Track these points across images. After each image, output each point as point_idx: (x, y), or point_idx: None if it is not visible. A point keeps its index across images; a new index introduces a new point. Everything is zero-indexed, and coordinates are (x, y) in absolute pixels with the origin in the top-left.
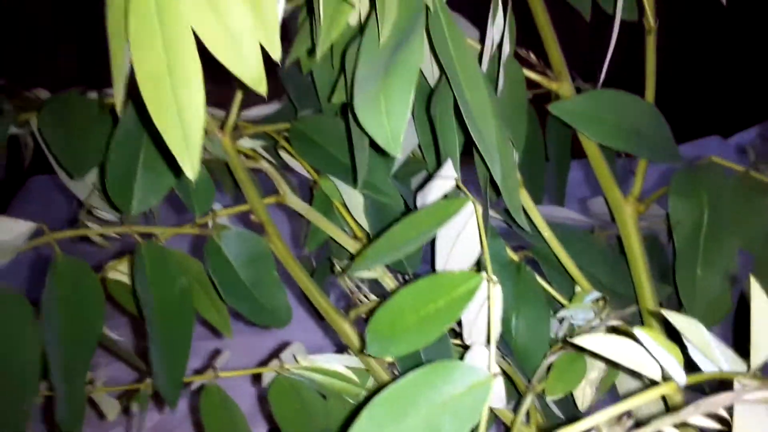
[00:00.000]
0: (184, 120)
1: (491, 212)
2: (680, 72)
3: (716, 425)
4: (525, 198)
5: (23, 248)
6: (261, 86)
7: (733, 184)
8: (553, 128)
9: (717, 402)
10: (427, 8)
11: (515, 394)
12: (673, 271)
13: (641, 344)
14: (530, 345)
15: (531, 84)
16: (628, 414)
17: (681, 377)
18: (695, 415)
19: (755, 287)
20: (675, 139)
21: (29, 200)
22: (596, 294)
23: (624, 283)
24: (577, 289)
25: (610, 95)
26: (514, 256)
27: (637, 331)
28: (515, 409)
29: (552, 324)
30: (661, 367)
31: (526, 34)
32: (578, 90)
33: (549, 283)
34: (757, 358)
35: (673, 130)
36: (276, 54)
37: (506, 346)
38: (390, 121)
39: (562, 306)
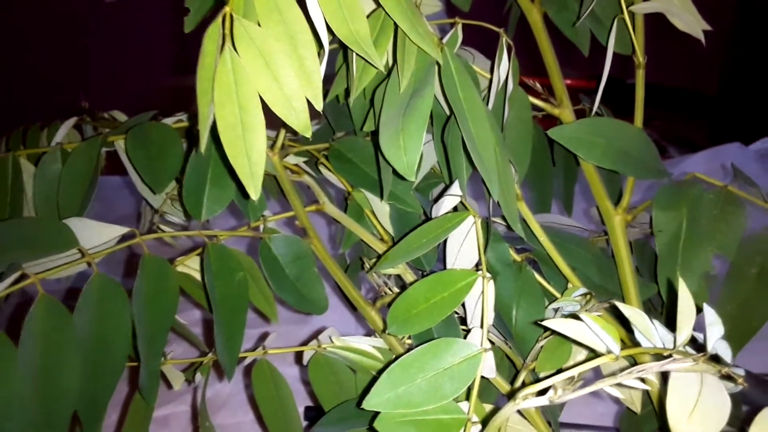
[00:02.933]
0: (250, 158)
1: (499, 220)
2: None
3: (646, 387)
4: (524, 209)
5: (119, 248)
6: (307, 132)
7: (712, 197)
8: (559, 146)
9: (647, 368)
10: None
11: (514, 370)
12: (656, 272)
13: (588, 326)
14: (527, 331)
15: (540, 107)
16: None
17: (616, 349)
18: (630, 378)
19: (683, 286)
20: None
21: (96, 199)
22: (583, 290)
23: (613, 282)
24: (570, 285)
25: (601, 122)
26: (517, 257)
27: (583, 316)
28: (512, 382)
29: (546, 314)
30: (603, 342)
31: (531, 57)
32: (582, 113)
33: (546, 280)
34: (680, 338)
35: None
36: (319, 106)
37: (508, 331)
38: (407, 155)
39: (556, 299)
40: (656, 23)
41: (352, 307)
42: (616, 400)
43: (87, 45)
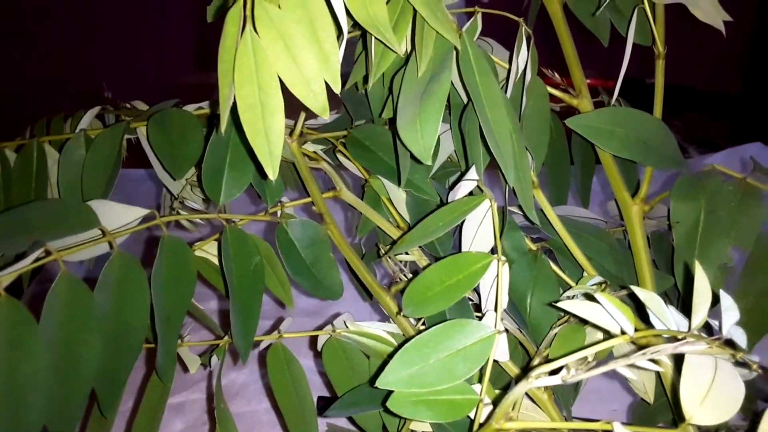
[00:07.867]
0: (269, 138)
1: (515, 209)
2: None
3: (659, 368)
4: (541, 199)
5: (139, 228)
6: (325, 114)
7: (731, 189)
8: (577, 139)
9: (661, 349)
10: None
11: (528, 359)
12: (672, 263)
13: (603, 306)
14: (541, 319)
15: (558, 99)
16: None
17: (630, 330)
18: (643, 359)
19: (699, 270)
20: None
21: (116, 192)
22: (598, 278)
23: (629, 272)
24: (585, 275)
25: (620, 112)
26: (533, 246)
27: (598, 296)
28: (524, 369)
29: None
30: (617, 323)
31: (551, 54)
32: (601, 105)
33: (562, 269)
34: (695, 321)
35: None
36: (337, 89)
37: (522, 320)
38: (424, 138)
39: (571, 288)
40: (680, 25)
41: (369, 295)
42: (632, 394)
43: (108, 40)
